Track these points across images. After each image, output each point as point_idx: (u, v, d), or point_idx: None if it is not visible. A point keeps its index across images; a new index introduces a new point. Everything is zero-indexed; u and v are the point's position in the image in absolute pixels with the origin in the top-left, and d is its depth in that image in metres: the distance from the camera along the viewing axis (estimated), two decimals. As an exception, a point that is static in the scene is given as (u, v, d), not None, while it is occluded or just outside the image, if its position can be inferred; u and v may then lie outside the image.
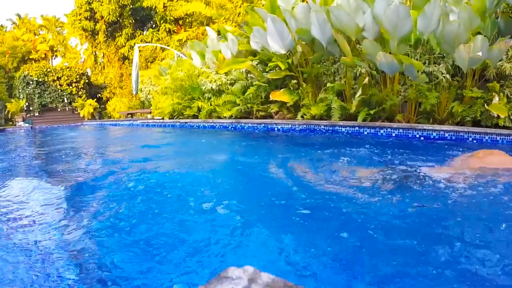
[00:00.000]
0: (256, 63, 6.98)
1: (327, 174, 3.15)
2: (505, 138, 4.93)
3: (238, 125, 6.93)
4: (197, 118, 8.17)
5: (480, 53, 4.86)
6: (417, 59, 5.44)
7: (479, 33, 5.12)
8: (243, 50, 7.55)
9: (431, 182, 2.60)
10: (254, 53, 7.33)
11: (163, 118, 9.75)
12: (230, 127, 7.15)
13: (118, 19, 15.69)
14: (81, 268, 1.53)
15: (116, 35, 16.38)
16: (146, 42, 14.13)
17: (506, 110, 4.99)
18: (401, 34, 5.23)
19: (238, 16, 9.42)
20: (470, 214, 2.05)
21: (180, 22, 13.40)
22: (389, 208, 2.12)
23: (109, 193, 2.74)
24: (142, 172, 3.38)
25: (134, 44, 13.08)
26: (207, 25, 10.45)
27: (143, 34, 15.89)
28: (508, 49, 5.27)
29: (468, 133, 5.03)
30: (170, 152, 5.28)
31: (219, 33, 8.82)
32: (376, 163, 3.62)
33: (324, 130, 5.67)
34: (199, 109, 8.13)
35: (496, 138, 4.94)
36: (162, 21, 14.15)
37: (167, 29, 13.98)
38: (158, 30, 14.69)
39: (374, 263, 1.51)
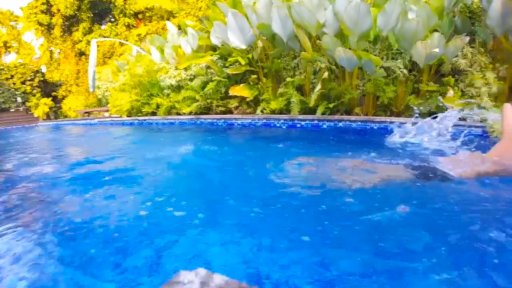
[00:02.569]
0: (216, 58, 6.77)
1: (286, 166, 3.05)
2: (459, 129, 5.13)
3: (198, 121, 6.68)
4: (156, 115, 7.80)
5: (436, 49, 5.01)
6: (375, 55, 5.52)
7: (436, 30, 5.28)
8: (204, 45, 7.32)
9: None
10: (214, 48, 7.12)
11: (121, 116, 9.25)
12: (189, 123, 6.87)
13: (76, 12, 14.76)
14: None
15: (73, 30, 15.40)
16: (104, 37, 13.38)
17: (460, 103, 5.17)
18: (361, 30, 5.30)
19: (199, 10, 9.13)
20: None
21: (140, 16, 12.80)
22: (339, 194, 2.10)
23: (62, 197, 2.47)
24: (95, 172, 3.12)
25: (92, 39, 12.35)
26: (168, 19, 10.06)
27: (101, 28, 15.04)
28: (464, 46, 5.47)
29: None
30: (126, 151, 4.96)
31: (179, 27, 8.52)
32: (334, 154, 3.61)
33: (284, 124, 5.58)
34: (158, 106, 7.76)
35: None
36: (121, 15, 13.45)
37: (126, 24, 13.31)
38: (117, 25, 13.95)
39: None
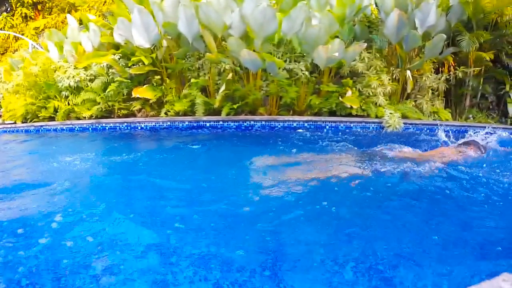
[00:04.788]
0: (119, 57, 6.26)
1: (191, 170, 3.06)
2: (357, 125, 5.59)
3: (99, 126, 6.10)
4: (54, 120, 6.95)
5: (336, 54, 5.28)
6: (279, 57, 5.63)
7: (337, 37, 5.58)
8: (106, 43, 6.71)
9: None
10: (117, 47, 6.56)
11: (15, 122, 8.08)
12: (90, 128, 6.25)
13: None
14: None
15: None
16: (-3, 29, 11.56)
17: (358, 102, 5.53)
18: (266, 33, 5.37)
19: (103, 4, 8.40)
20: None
21: (39, 7, 11.31)
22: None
23: None
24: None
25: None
26: (69, 12, 9.08)
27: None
28: (362, 51, 5.83)
29: (325, 122, 5.46)
30: (16, 164, 4.27)
31: (81, 22, 7.71)
32: (241, 153, 3.72)
33: (188, 126, 5.41)
34: (56, 110, 6.91)
35: (350, 125, 5.62)
36: (18, 4, 11.73)
37: (24, 14, 11.64)
38: (13, 15, 12.10)
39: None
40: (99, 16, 7.98)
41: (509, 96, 6.69)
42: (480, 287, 0.71)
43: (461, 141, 3.71)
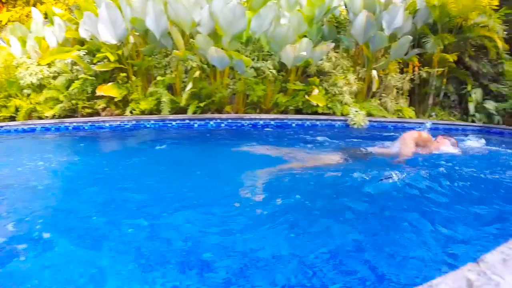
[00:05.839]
0: (84, 53, 6.07)
1: (156, 171, 2.98)
2: (323, 122, 5.63)
3: (62, 126, 5.88)
4: (15, 120, 6.66)
5: (304, 53, 5.34)
6: (247, 56, 5.63)
7: (305, 36, 5.63)
8: (71, 38, 6.50)
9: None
10: (82, 42, 6.38)
11: (-26, 122, 7.69)
12: (53, 128, 6.01)
13: None
14: None
15: None
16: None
17: (324, 100, 5.60)
18: (234, 31, 5.36)
19: (71, -2, 8.14)
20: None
21: None
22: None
23: None
24: None
25: None
26: (34, 5, 8.72)
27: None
28: (329, 51, 5.91)
29: (292, 120, 5.47)
30: None
31: (46, 16, 7.43)
32: (207, 152, 3.66)
33: (154, 125, 5.30)
34: (17, 109, 6.63)
35: (315, 123, 5.69)
36: (-18, -3, 11.19)
37: (-14, 8, 11.11)
38: (-24, 9, 11.56)
39: None
40: (65, 9, 7.71)
41: (470, 95, 6.99)
42: (445, 278, 0.71)
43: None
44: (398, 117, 6.03)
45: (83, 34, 6.10)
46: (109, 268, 1.38)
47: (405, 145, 2.95)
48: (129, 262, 1.42)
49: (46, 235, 1.66)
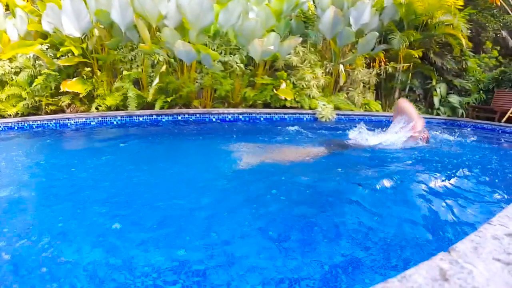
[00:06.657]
0: (47, 47, 5.88)
1: (124, 168, 2.94)
2: (291, 116, 5.69)
3: (26, 124, 5.66)
4: (-24, 117, 6.38)
5: (271, 47, 5.36)
6: (214, 50, 5.59)
7: (273, 30, 5.65)
8: (33, 31, 6.26)
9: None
10: (45, 36, 6.15)
11: None
12: (16, 127, 5.78)
13: None
14: None
15: None
16: None
17: (292, 94, 5.66)
18: (202, 25, 5.31)
19: (34, -9, 7.85)
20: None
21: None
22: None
23: None
24: None
25: None
26: (-4, -1, 8.40)
27: None
28: (297, 46, 5.98)
29: (260, 114, 5.50)
30: None
31: (7, 7, 7.14)
32: (176, 147, 3.63)
33: (121, 121, 5.18)
34: (-23, 106, 6.34)
35: (284, 116, 5.72)
36: None
37: None
38: None
39: None
40: (27, 1, 7.43)
41: (435, 90, 7.26)
42: (418, 268, 0.71)
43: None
44: (365, 110, 6.18)
45: (46, 26, 5.89)
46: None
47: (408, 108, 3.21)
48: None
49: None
